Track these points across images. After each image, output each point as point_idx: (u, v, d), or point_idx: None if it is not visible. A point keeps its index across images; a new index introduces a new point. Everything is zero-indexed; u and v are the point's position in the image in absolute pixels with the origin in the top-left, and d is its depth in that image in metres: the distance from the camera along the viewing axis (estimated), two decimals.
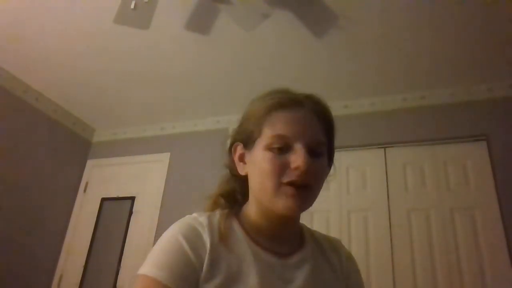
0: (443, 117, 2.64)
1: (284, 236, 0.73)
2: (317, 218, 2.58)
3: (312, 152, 0.67)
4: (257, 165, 0.68)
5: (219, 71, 2.70)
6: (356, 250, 2.47)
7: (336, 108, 2.88)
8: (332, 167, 0.78)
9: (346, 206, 2.61)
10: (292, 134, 0.67)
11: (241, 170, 0.74)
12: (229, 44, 2.43)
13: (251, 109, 0.75)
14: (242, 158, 0.74)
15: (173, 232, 0.66)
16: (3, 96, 2.86)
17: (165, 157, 3.24)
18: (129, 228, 3.11)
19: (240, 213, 0.75)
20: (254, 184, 0.71)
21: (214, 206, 0.76)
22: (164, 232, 0.68)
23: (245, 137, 0.73)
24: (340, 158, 2.76)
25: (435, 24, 2.15)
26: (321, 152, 0.69)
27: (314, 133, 0.69)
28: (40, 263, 3.01)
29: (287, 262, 0.70)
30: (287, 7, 2.09)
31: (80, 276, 3.05)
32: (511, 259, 2.17)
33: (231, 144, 0.76)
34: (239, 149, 0.74)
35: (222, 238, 0.67)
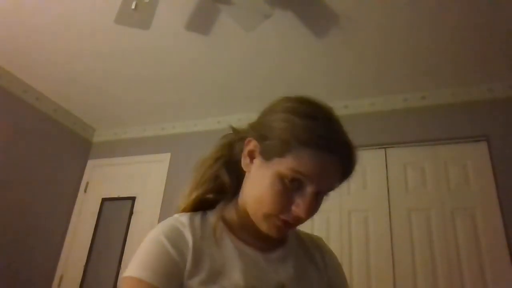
0: (443, 117, 2.64)
1: (264, 234, 0.72)
2: (317, 218, 2.58)
3: (318, 193, 0.66)
4: (263, 185, 0.66)
5: (219, 71, 2.70)
6: (356, 250, 2.48)
7: (336, 108, 2.85)
8: None
9: (347, 206, 2.61)
10: (311, 177, 0.63)
11: (245, 166, 0.71)
12: (229, 44, 2.43)
13: (287, 119, 0.66)
14: (252, 155, 0.70)
15: (155, 234, 0.66)
16: (3, 96, 2.86)
17: (165, 157, 3.24)
18: (129, 229, 3.11)
19: (224, 208, 0.75)
20: (250, 193, 0.69)
21: (198, 206, 0.75)
22: (147, 235, 0.68)
23: (264, 143, 0.67)
24: None
25: (435, 24, 2.15)
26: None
27: (331, 182, 0.66)
28: (41, 263, 3.02)
29: (270, 257, 0.71)
30: (287, 7, 2.09)
31: (81, 276, 3.05)
32: (511, 259, 2.17)
33: (247, 134, 0.72)
34: (253, 145, 0.69)
35: (213, 234, 0.69)
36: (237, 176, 0.75)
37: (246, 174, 0.72)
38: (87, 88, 3.01)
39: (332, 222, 2.60)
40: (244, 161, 0.71)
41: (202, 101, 3.06)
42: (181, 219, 0.69)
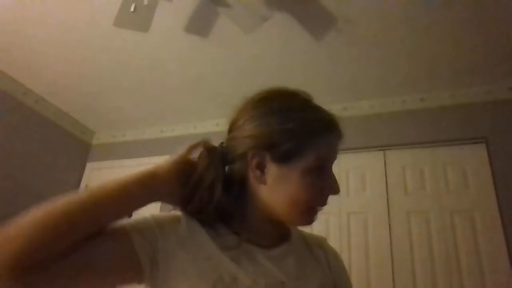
0: (442, 119, 2.64)
1: (266, 231, 0.73)
2: (317, 220, 2.57)
3: None
4: (293, 187, 0.67)
5: (218, 74, 2.70)
6: (355, 253, 2.47)
7: (335, 110, 2.86)
8: None
9: (346, 208, 2.61)
10: (332, 158, 0.71)
11: (257, 178, 0.69)
12: (228, 46, 2.43)
13: (290, 117, 0.68)
14: (261, 167, 0.69)
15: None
16: (3, 99, 2.86)
17: (164, 160, 3.23)
18: None
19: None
20: (279, 201, 0.68)
21: None
22: None
23: (275, 149, 0.67)
24: (340, 160, 2.76)
25: (434, 26, 2.15)
26: None
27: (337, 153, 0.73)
28: None
29: (271, 253, 0.70)
30: (286, 10, 2.09)
31: None
32: (510, 261, 2.17)
33: (250, 149, 0.69)
34: (260, 157, 0.68)
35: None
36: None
37: (255, 185, 0.70)
38: (86, 90, 3.01)
39: (331, 224, 2.60)
40: (255, 174, 0.69)
41: (201, 103, 3.07)
42: (178, 213, 0.71)
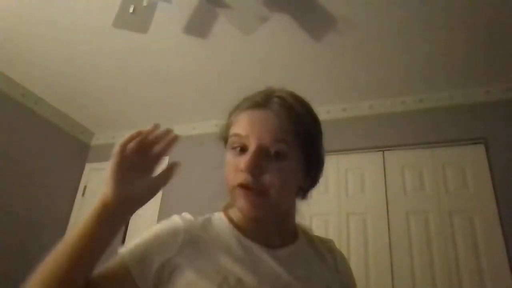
0: (441, 120, 2.64)
1: (271, 231, 0.73)
2: (316, 221, 2.58)
3: (274, 154, 0.66)
4: (224, 164, 0.70)
5: (218, 74, 2.70)
6: (355, 254, 2.47)
7: (335, 111, 2.89)
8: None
9: (345, 209, 2.61)
10: (247, 134, 0.67)
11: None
12: (227, 47, 2.43)
13: (231, 108, 0.77)
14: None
15: (157, 225, 0.70)
16: (2, 100, 2.86)
17: (163, 160, 3.23)
18: (127, 233, 3.10)
19: (228, 208, 0.76)
20: None
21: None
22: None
23: (223, 135, 0.75)
24: (339, 161, 2.77)
25: (433, 27, 2.15)
26: (283, 154, 0.66)
27: (269, 133, 0.66)
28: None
29: (277, 253, 0.70)
30: (285, 11, 2.10)
31: None
32: (509, 262, 2.17)
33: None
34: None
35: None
36: None
37: None
38: (85, 92, 3.01)
39: (330, 225, 2.60)
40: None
41: (200, 104, 3.07)
42: (185, 217, 0.72)
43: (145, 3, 1.87)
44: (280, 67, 2.56)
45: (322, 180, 0.76)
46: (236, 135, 0.68)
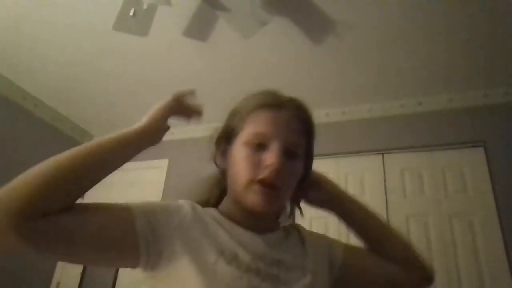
0: (440, 123, 2.65)
1: (263, 223, 0.74)
2: (316, 224, 2.57)
3: (288, 153, 0.69)
4: (234, 159, 0.71)
5: (217, 78, 2.71)
6: None
7: (334, 114, 2.89)
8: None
9: None
10: (271, 133, 0.69)
11: (222, 163, 0.76)
12: (227, 50, 2.44)
13: (237, 107, 0.79)
14: (224, 153, 0.76)
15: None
16: (2, 103, 2.86)
17: (163, 163, 3.23)
18: None
19: (218, 207, 0.77)
20: (231, 177, 0.73)
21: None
22: None
23: (228, 133, 0.76)
24: (339, 164, 2.77)
25: (431, 31, 2.16)
26: (298, 155, 0.71)
27: (292, 134, 0.71)
28: (37, 271, 2.99)
29: (268, 237, 0.71)
30: (285, 14, 2.10)
31: (78, 283, 3.02)
32: (509, 265, 2.17)
33: (217, 139, 0.79)
34: (223, 143, 0.77)
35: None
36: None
37: (226, 174, 0.76)
38: (85, 94, 3.02)
39: (330, 228, 2.59)
40: (220, 160, 0.77)
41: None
42: (184, 201, 0.73)
43: (145, 6, 1.88)
44: (280, 70, 2.56)
45: None
46: (258, 133, 0.69)
